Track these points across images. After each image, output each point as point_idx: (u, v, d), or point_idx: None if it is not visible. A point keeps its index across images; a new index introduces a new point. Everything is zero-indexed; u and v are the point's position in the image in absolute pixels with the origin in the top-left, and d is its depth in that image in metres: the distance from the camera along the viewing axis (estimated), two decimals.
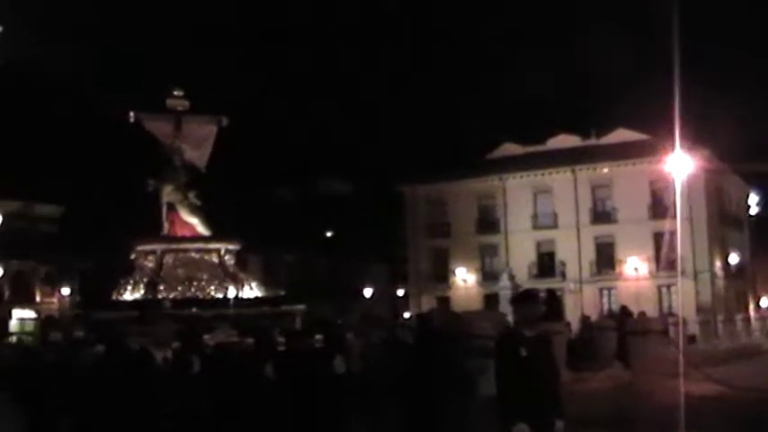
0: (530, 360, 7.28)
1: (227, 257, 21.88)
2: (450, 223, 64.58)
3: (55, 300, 61.21)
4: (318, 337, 14.01)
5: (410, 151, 76.82)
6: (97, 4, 77.50)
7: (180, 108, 22.48)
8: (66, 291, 60.90)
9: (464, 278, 63.53)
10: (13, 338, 42.41)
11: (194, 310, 18.85)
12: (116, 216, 46.86)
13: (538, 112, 69.30)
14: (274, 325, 19.12)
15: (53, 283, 61.94)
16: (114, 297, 20.17)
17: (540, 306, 7.87)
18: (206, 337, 16.88)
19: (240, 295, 20.54)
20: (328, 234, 68.66)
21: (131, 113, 21.56)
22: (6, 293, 58.27)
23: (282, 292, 23.00)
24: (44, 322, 56.88)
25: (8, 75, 45.15)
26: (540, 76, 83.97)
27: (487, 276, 62.99)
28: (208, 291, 20.56)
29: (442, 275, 64.69)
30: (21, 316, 59.33)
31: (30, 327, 57.90)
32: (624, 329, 20.81)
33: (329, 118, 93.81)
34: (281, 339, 13.38)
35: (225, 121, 22.71)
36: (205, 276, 21.01)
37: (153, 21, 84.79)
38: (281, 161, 72.61)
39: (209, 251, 21.76)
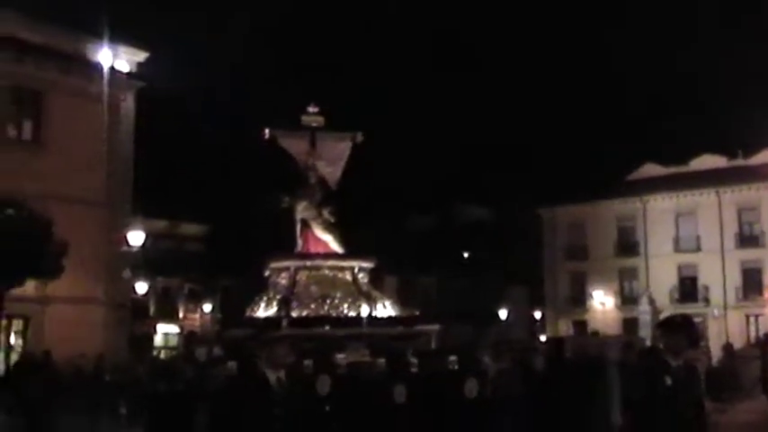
0: (674, 389, 7.02)
1: (360, 275, 21.08)
2: (588, 246, 62.61)
3: (197, 316, 62.04)
4: (453, 358, 13.16)
5: (550, 173, 74.96)
6: (232, 26, 78.84)
7: (315, 125, 21.85)
8: (207, 307, 61.66)
9: (602, 301, 61.41)
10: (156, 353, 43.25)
11: (327, 328, 18.10)
12: (256, 234, 47.11)
13: (681, 131, 66.46)
14: (408, 345, 18.26)
15: (196, 300, 62.86)
16: (248, 314, 19.66)
17: (688, 334, 7.52)
18: (339, 356, 16.23)
19: (373, 314, 19.70)
20: (465, 255, 67.42)
21: (266, 130, 21.06)
22: (152, 309, 59.41)
23: (417, 312, 22.11)
24: (186, 338, 57.82)
25: (153, 98, 45.88)
26: (683, 94, 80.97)
27: (626, 300, 60.94)
28: (341, 309, 19.78)
29: (580, 298, 62.79)
30: (165, 331, 60.46)
31: (173, 341, 59.05)
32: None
33: (465, 141, 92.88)
34: (414, 360, 12.60)
35: (360, 138, 21.98)
36: (339, 294, 20.24)
37: (290, 39, 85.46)
38: (419, 185, 71.97)
39: (342, 269, 20.99)
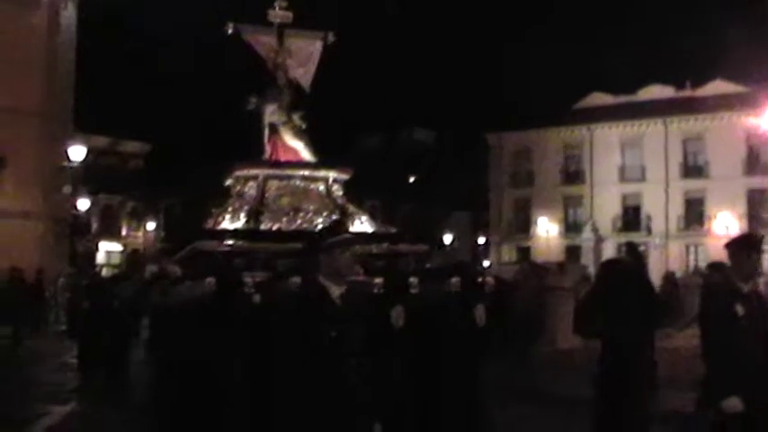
0: (747, 320, 5.91)
1: (335, 187, 18.25)
2: (534, 172, 60.46)
3: (140, 234, 59.15)
4: (455, 280, 11.08)
5: (497, 99, 72.13)
6: None
7: (283, 20, 18.74)
8: (151, 226, 58.65)
9: (546, 229, 59.45)
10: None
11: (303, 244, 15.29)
12: (204, 149, 43.95)
13: (630, 60, 64.15)
14: (394, 265, 15.67)
15: (139, 219, 59.83)
16: (211, 226, 16.74)
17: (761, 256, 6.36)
18: None
19: (351, 230, 16.95)
20: (411, 180, 64.79)
21: (230, 24, 17.91)
22: (94, 226, 56.13)
23: (394, 230, 19.41)
24: (129, 256, 55.01)
25: (94, 12, 42.32)
26: (632, 23, 78.68)
27: (570, 228, 59.35)
28: (315, 223, 16.94)
29: (524, 225, 60.88)
30: (108, 249, 57.39)
31: (116, 259, 56.24)
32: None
33: (418, 65, 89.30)
34: (414, 280, 10.62)
35: (331, 38, 18.95)
36: (312, 207, 17.44)
37: None
38: (365, 104, 68.63)
39: (315, 179, 18.11)
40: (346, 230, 5.36)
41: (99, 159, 54.45)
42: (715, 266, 10.87)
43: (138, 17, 60.57)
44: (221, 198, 18.90)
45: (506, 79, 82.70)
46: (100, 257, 55.16)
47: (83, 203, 43.60)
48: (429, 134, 70.98)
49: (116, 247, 57.88)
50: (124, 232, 59.18)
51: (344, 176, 18.43)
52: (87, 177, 47.69)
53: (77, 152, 33.68)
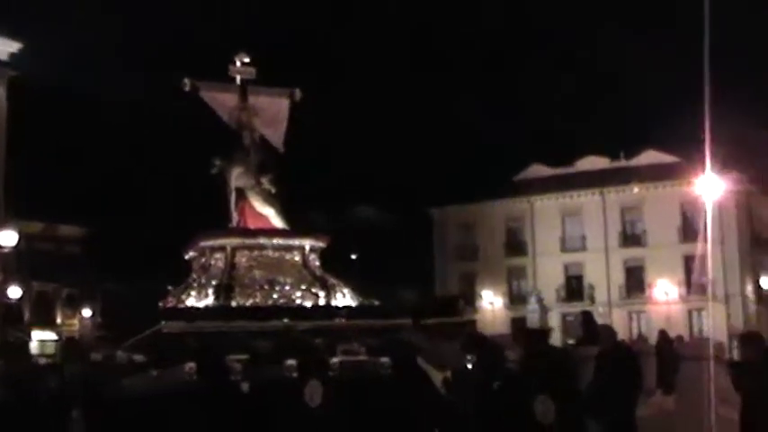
0: None
1: (311, 257, 15.67)
2: (478, 246, 58.51)
3: (76, 321, 54.89)
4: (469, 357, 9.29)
5: (438, 173, 70.32)
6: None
7: (246, 77, 16.36)
8: (87, 312, 54.56)
9: (491, 301, 57.33)
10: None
11: (286, 321, 12.68)
12: (143, 234, 40.91)
13: (565, 133, 63.42)
14: (387, 341, 13.16)
15: (75, 305, 55.64)
16: (173, 305, 13.94)
17: None
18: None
19: (333, 303, 14.37)
20: (353, 257, 62.09)
21: (186, 80, 15.42)
22: (27, 315, 51.90)
23: (377, 303, 16.77)
24: (65, 344, 50.92)
25: (30, 90, 39.96)
26: (566, 96, 78.49)
27: (515, 299, 57.04)
28: (292, 297, 14.28)
29: (470, 299, 58.63)
30: (41, 338, 52.99)
31: (50, 349, 51.99)
32: (664, 354, 18.18)
33: (357, 140, 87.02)
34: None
35: (299, 95, 16.59)
36: (288, 280, 14.78)
37: None
38: (310, 185, 65.87)
39: (290, 248, 15.53)
40: (458, 313, 3.66)
41: (32, 245, 50.81)
42: None
43: (78, 86, 56.92)
44: (176, 277, 16.20)
45: (449, 152, 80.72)
46: (33, 347, 50.88)
47: (14, 291, 40.26)
48: (372, 211, 68.69)
49: (50, 335, 53.52)
50: (59, 320, 54.82)
51: (321, 245, 15.88)
52: (20, 264, 44.17)
53: (8, 237, 30.95)
